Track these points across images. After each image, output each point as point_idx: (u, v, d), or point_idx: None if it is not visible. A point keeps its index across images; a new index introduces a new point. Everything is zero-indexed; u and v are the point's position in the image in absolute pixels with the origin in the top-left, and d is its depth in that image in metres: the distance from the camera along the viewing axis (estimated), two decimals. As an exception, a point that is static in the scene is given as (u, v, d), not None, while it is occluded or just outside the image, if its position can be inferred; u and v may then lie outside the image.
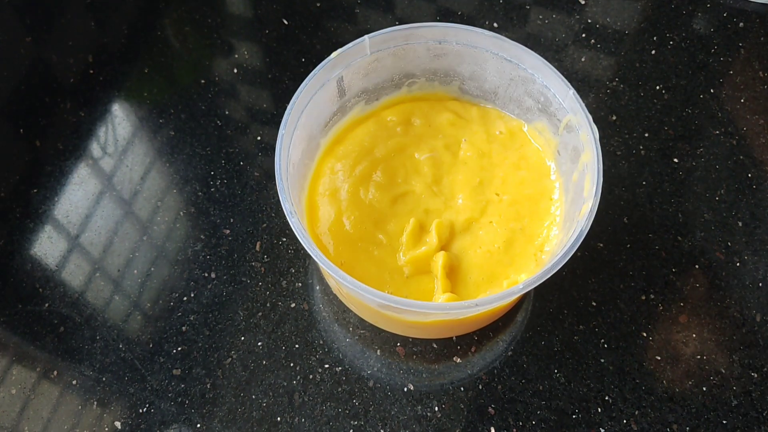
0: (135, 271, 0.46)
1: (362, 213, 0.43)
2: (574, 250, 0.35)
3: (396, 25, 0.43)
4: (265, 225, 0.48)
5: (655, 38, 0.56)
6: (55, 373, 0.43)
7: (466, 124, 0.46)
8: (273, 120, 0.53)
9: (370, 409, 0.42)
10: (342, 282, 0.34)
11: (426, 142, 0.45)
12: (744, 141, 0.51)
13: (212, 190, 0.50)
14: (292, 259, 0.47)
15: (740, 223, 0.48)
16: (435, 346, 0.44)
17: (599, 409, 0.42)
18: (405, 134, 0.46)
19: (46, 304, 0.45)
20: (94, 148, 0.52)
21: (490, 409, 0.42)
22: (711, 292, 0.45)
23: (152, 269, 0.47)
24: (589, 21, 0.57)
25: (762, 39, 0.56)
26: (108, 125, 0.53)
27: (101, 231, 0.48)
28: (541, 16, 0.58)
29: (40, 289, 0.46)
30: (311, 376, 0.43)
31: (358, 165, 0.44)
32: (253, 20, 0.58)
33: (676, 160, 0.50)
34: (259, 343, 0.44)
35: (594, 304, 0.45)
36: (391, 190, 0.44)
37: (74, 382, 0.43)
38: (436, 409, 0.42)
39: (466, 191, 0.44)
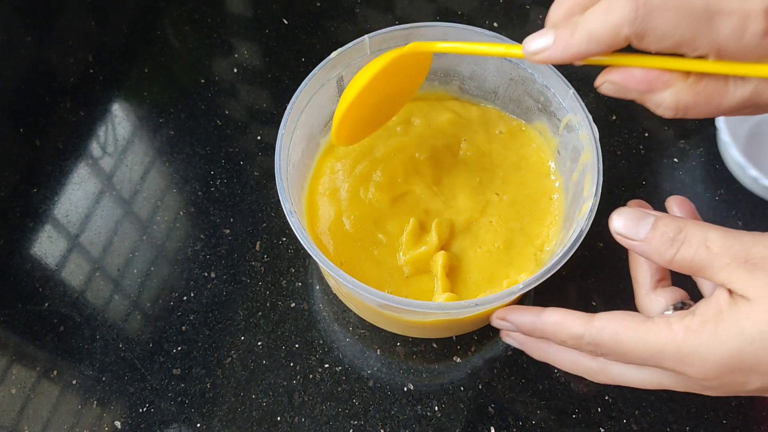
0: (135, 271, 0.46)
1: (362, 213, 0.43)
2: (574, 250, 0.35)
3: (396, 24, 0.43)
4: (265, 225, 0.48)
5: (655, 38, 0.56)
6: (55, 372, 0.43)
7: (466, 124, 0.46)
8: (273, 119, 0.53)
9: (370, 408, 0.42)
10: (342, 281, 0.34)
11: (426, 142, 0.45)
12: (744, 141, 0.51)
13: (212, 189, 0.50)
14: (292, 259, 0.47)
15: (740, 223, 0.48)
16: (435, 345, 0.44)
17: (599, 409, 0.42)
18: (405, 134, 0.46)
19: (46, 304, 0.45)
20: (94, 148, 0.52)
21: (490, 409, 0.42)
22: (711, 292, 0.45)
23: (152, 269, 0.47)
24: (589, 21, 0.57)
25: (762, 39, 0.56)
26: (108, 125, 0.53)
27: (101, 230, 0.48)
28: (541, 16, 0.58)
29: (40, 289, 0.46)
30: (311, 376, 0.43)
31: (358, 165, 0.44)
32: (253, 20, 0.58)
33: (676, 160, 0.50)
34: (259, 343, 0.44)
35: (594, 304, 0.45)
36: (391, 190, 0.44)
37: (74, 381, 0.43)
38: (436, 408, 0.42)
39: (466, 191, 0.43)
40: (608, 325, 0.30)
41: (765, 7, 0.24)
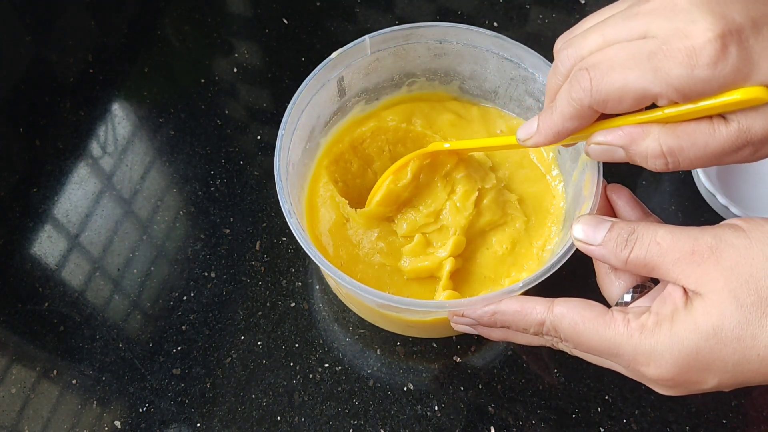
0: (135, 271, 0.46)
1: (363, 215, 0.42)
2: (574, 249, 0.35)
3: (396, 24, 0.43)
4: (265, 224, 0.48)
5: (655, 38, 0.56)
6: (55, 372, 0.43)
7: (467, 125, 0.46)
8: (273, 119, 0.53)
9: (370, 408, 0.42)
10: (341, 282, 0.34)
11: (427, 143, 0.45)
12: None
13: (212, 189, 0.50)
14: (292, 259, 0.47)
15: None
16: (435, 345, 0.44)
17: (599, 409, 0.42)
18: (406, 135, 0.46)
19: (46, 304, 0.45)
20: (94, 148, 0.52)
21: (490, 409, 0.42)
22: (711, 292, 0.45)
23: (152, 268, 0.47)
24: (589, 21, 0.57)
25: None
26: (108, 125, 0.53)
27: (101, 230, 0.48)
28: (541, 16, 0.58)
29: (40, 289, 0.46)
30: (311, 376, 0.43)
31: (359, 167, 0.44)
32: (253, 20, 0.58)
33: (676, 159, 0.50)
34: (259, 343, 0.44)
35: (594, 303, 0.45)
36: (394, 192, 0.43)
37: (74, 381, 0.43)
38: (436, 408, 0.42)
39: (473, 191, 0.43)
40: (568, 313, 0.30)
41: (710, 37, 0.24)
